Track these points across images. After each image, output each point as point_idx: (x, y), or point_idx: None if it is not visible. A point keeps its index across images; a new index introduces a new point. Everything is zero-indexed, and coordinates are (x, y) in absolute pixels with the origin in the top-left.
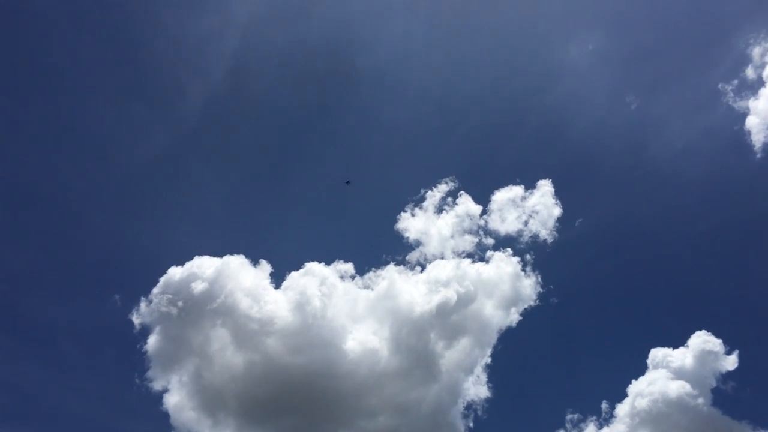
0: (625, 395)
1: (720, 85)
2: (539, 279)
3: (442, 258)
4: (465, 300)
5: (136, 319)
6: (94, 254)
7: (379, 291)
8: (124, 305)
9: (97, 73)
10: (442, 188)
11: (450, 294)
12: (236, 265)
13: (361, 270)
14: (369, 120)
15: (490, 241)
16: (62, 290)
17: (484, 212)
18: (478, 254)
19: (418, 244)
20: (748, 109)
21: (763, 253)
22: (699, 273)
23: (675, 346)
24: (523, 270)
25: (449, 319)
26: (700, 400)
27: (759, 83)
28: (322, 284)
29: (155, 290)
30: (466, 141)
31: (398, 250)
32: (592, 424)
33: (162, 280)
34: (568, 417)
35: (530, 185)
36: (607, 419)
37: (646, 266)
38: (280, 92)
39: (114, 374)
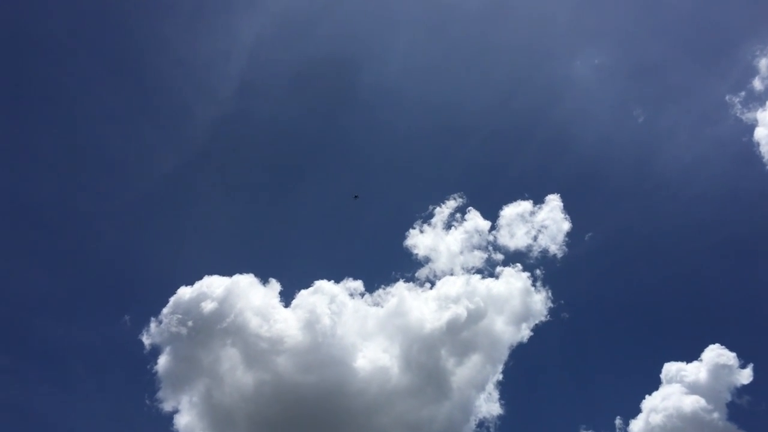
0: (639, 411)
1: (727, 97)
2: (550, 294)
3: (452, 274)
4: (475, 316)
5: (146, 340)
6: (104, 275)
7: (388, 308)
8: (134, 326)
9: (105, 94)
10: (451, 204)
11: (460, 310)
12: (245, 284)
13: (370, 287)
14: (376, 137)
15: (499, 256)
16: (72, 311)
17: (492, 228)
18: (488, 270)
19: (427, 260)
20: (756, 120)
21: None
22: (711, 286)
23: (688, 360)
24: (534, 285)
25: (460, 335)
26: (716, 415)
27: (766, 95)
28: (331, 302)
29: (165, 310)
30: (474, 156)
31: (407, 267)
32: None
33: (172, 300)
34: None
35: (539, 200)
36: None
37: (657, 279)
38: (288, 111)
39: (124, 395)
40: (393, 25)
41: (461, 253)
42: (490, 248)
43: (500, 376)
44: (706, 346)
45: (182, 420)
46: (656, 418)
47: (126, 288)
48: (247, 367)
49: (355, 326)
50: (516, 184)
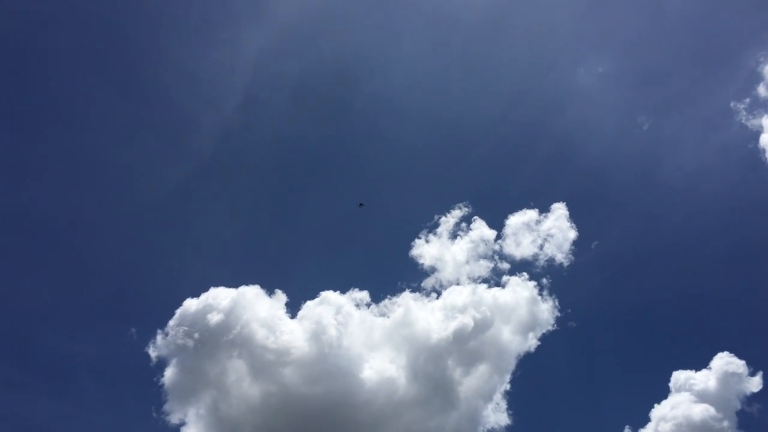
0: (648, 420)
1: (732, 104)
2: (556, 303)
3: (458, 284)
4: (482, 326)
5: (152, 352)
6: (110, 287)
7: (395, 318)
8: (140, 338)
9: (111, 107)
10: (456, 214)
11: (467, 320)
12: (251, 295)
13: (376, 298)
14: (380, 147)
15: (505, 265)
16: (78, 324)
17: (498, 237)
18: (494, 279)
19: (433, 270)
20: (761, 127)
21: None
22: (719, 293)
23: (697, 369)
24: (540, 294)
25: (467, 345)
26: (725, 424)
27: None
28: (337, 313)
29: (171, 323)
30: (479, 166)
31: (413, 277)
32: None
33: (178, 312)
34: None
35: (544, 209)
36: None
37: (664, 287)
38: (292, 123)
39: (131, 408)
40: (396, 37)
41: (467, 262)
42: (496, 257)
43: (508, 386)
44: (715, 353)
45: None
46: (665, 428)
47: (132, 300)
48: (254, 379)
49: (362, 337)
50: (521, 192)
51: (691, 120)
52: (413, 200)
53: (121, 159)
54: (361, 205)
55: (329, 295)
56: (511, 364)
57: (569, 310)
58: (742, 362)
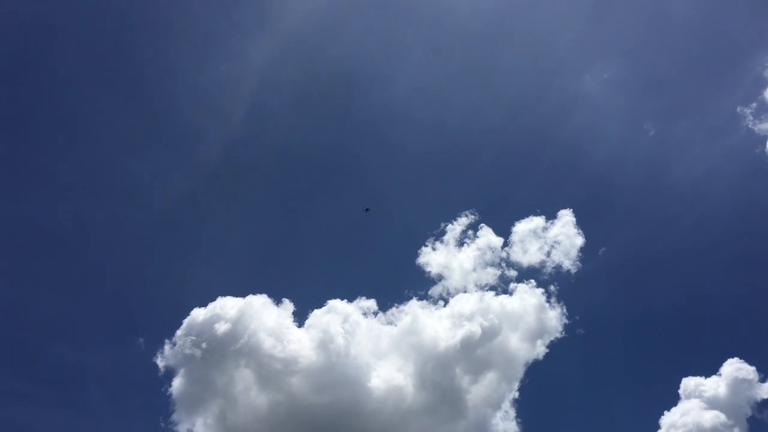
0: (657, 427)
1: (738, 109)
2: (564, 310)
3: (465, 291)
4: (490, 333)
5: (160, 362)
6: (118, 298)
7: (402, 327)
8: (148, 348)
9: (118, 119)
10: (463, 221)
11: (474, 328)
12: (259, 304)
13: (383, 306)
14: (387, 156)
15: (512, 273)
16: (87, 334)
17: (505, 244)
18: (502, 287)
19: (440, 278)
20: None
21: None
22: (728, 299)
23: (707, 375)
24: (548, 301)
25: (474, 353)
26: (736, 430)
27: None
28: (345, 321)
29: (179, 332)
30: (485, 173)
31: (420, 285)
32: None
33: (185, 322)
34: None
35: (551, 215)
36: None
37: (673, 293)
38: (298, 132)
39: (139, 418)
40: (401, 46)
41: (474, 270)
42: (504, 265)
43: (516, 394)
44: (725, 360)
45: None
46: None
47: (140, 311)
48: (261, 388)
49: (369, 345)
50: (528, 199)
51: (698, 125)
52: (419, 208)
53: (130, 169)
54: (367, 210)
55: (336, 304)
56: (520, 372)
57: (577, 317)
58: (753, 368)
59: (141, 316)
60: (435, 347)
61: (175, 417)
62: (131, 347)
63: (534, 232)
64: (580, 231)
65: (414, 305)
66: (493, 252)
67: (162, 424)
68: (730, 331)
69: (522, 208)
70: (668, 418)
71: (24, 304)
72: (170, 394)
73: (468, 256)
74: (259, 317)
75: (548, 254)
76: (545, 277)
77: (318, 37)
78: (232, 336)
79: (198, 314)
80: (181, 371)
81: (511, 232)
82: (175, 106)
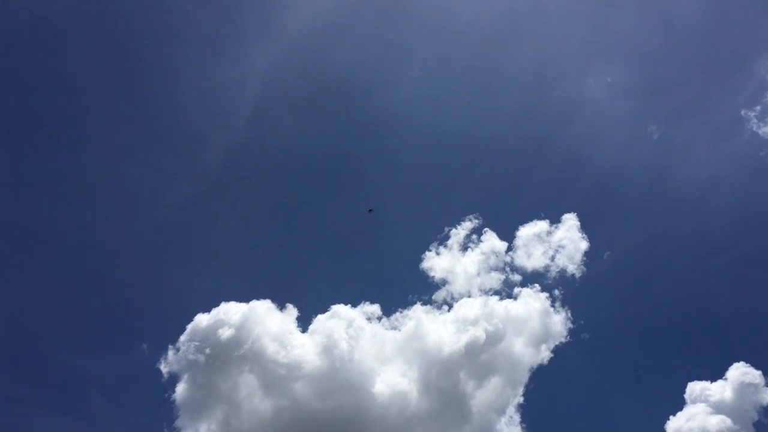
0: None
1: (743, 112)
2: (569, 314)
3: (469, 296)
4: (494, 338)
5: (164, 368)
6: (122, 303)
7: (406, 332)
8: (151, 354)
9: (122, 124)
10: (467, 226)
11: (479, 332)
12: (262, 309)
13: (387, 311)
14: (390, 160)
15: (517, 277)
16: (90, 340)
17: (509, 248)
18: (506, 291)
19: (444, 282)
20: None
21: None
22: (733, 302)
23: (713, 379)
24: (552, 306)
25: (479, 358)
26: None
27: None
28: (348, 326)
29: (182, 338)
30: (489, 177)
31: (424, 290)
32: None
33: (189, 327)
34: None
35: (555, 219)
36: None
37: (678, 297)
38: (302, 136)
39: (143, 423)
40: (404, 51)
41: (478, 274)
42: (508, 269)
43: (521, 399)
44: (731, 364)
45: None
46: None
47: (143, 316)
48: (265, 394)
49: (373, 350)
50: (531, 204)
51: (702, 128)
52: (423, 212)
53: (133, 174)
54: (370, 210)
55: (340, 309)
56: (524, 377)
57: (582, 322)
58: (759, 372)
59: (144, 322)
60: (439, 352)
61: (178, 423)
62: (135, 353)
63: (538, 237)
64: (584, 235)
65: (418, 310)
66: (497, 256)
67: (166, 430)
68: (736, 335)
69: (526, 212)
70: (674, 423)
71: (27, 310)
72: (174, 400)
73: (472, 260)
74: (263, 322)
75: (552, 258)
76: (549, 282)
77: (321, 42)
78: (235, 341)
79: (201, 319)
80: (185, 377)
81: (515, 237)
82: (179, 110)
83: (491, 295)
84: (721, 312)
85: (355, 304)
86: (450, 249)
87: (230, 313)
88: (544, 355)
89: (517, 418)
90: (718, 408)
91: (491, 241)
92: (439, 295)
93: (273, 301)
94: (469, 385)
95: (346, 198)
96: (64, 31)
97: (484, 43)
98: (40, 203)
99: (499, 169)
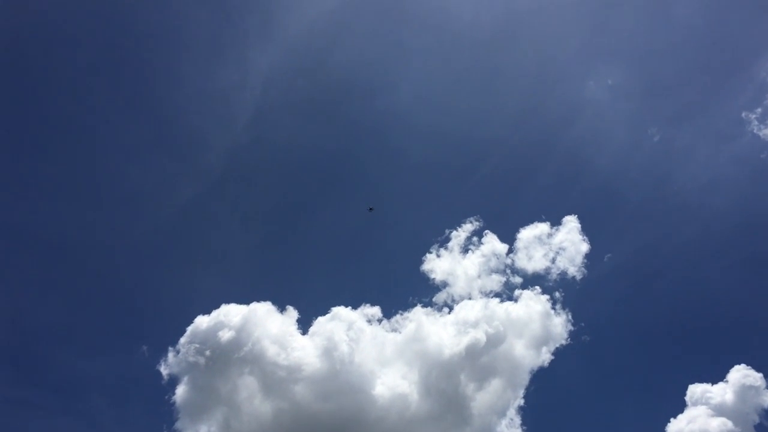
0: None
1: (743, 114)
2: (570, 317)
3: (470, 298)
4: (495, 340)
5: (164, 370)
6: (122, 305)
7: (406, 334)
8: (151, 356)
9: (122, 126)
10: (467, 228)
11: (479, 335)
12: (263, 312)
13: (388, 313)
14: (391, 162)
15: (517, 279)
16: (90, 342)
17: (510, 251)
18: (506, 293)
19: (444, 285)
20: None
21: None
22: (734, 305)
23: (714, 382)
24: (553, 308)
25: (479, 360)
26: None
27: None
28: (349, 329)
29: (183, 340)
30: (490, 180)
31: (425, 292)
32: None
33: (189, 329)
34: None
35: (556, 222)
36: None
37: (679, 300)
38: (302, 138)
39: (143, 425)
40: (405, 53)
41: (479, 276)
42: (508, 271)
43: (521, 401)
44: (732, 366)
45: None
46: None
47: (143, 318)
48: (265, 396)
49: (373, 353)
50: (532, 206)
51: (703, 131)
52: (424, 214)
53: (133, 176)
54: (371, 209)
55: (340, 311)
56: (525, 379)
57: (583, 324)
58: (760, 375)
59: (144, 323)
60: (440, 354)
61: (178, 425)
62: (135, 355)
63: (539, 239)
64: (585, 237)
65: (418, 312)
66: (497, 258)
67: None
68: (736, 338)
69: (527, 214)
70: (675, 426)
71: (28, 311)
72: (174, 402)
73: (473, 262)
74: (263, 324)
75: (553, 261)
76: (550, 284)
77: (322, 43)
78: (236, 343)
79: (202, 322)
80: (185, 379)
81: (515, 239)
82: (180, 112)
83: (492, 297)
84: (722, 314)
85: (355, 306)
86: (451, 251)
87: (230, 315)
88: (545, 357)
89: (517, 420)
90: (719, 410)
91: (492, 243)
92: (440, 297)
93: (273, 303)
94: (470, 388)
95: (347, 199)
96: (66, 32)
97: (484, 44)
98: (41, 204)
99: (500, 171)
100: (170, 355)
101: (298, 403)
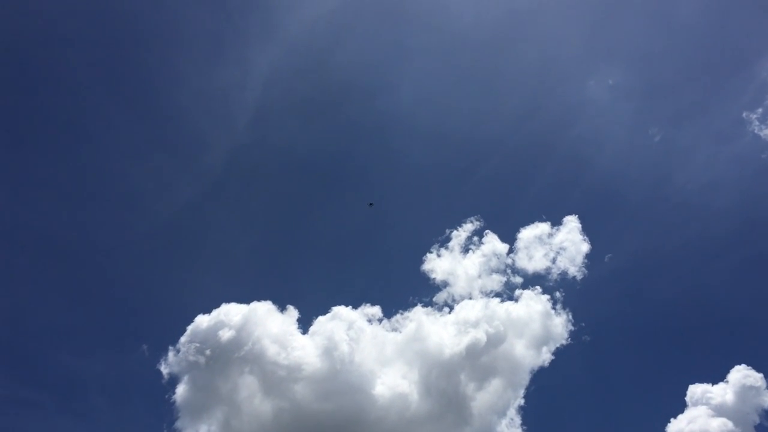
0: None
1: (744, 114)
2: (570, 317)
3: (470, 298)
4: (495, 340)
5: (164, 369)
6: (122, 305)
7: (407, 333)
8: (152, 355)
9: (122, 126)
10: (468, 228)
11: (479, 335)
12: (263, 311)
13: (388, 313)
14: (391, 162)
15: (518, 279)
16: (90, 342)
17: (510, 250)
18: (507, 293)
19: (445, 284)
20: None
21: None
22: (735, 305)
23: (714, 382)
24: (554, 308)
25: (479, 360)
26: None
27: None
28: (349, 328)
29: (183, 339)
30: (490, 179)
31: (425, 292)
32: None
33: (189, 328)
34: None
35: (556, 221)
36: None
37: (679, 300)
38: (303, 138)
39: (143, 425)
40: (406, 54)
41: (479, 276)
42: (509, 271)
43: (522, 401)
44: (732, 366)
45: None
46: None
47: (144, 317)
48: (266, 395)
49: (374, 352)
50: (533, 206)
51: (703, 131)
52: (424, 214)
53: (133, 176)
54: (371, 204)
55: (341, 311)
56: (525, 379)
57: (583, 324)
58: (760, 375)
59: (144, 323)
60: (440, 354)
61: (178, 424)
62: (135, 354)
63: (539, 239)
64: (585, 237)
65: (419, 312)
66: (498, 258)
67: (165, 431)
68: (737, 338)
69: (527, 214)
70: (675, 426)
71: (27, 311)
72: (174, 401)
73: (473, 262)
74: (264, 324)
75: (554, 260)
76: (551, 284)
77: (322, 44)
78: (236, 343)
79: (202, 321)
80: (185, 378)
81: (516, 239)
82: (180, 112)
83: (492, 297)
84: (723, 314)
85: (355, 306)
86: (451, 251)
87: (231, 314)
88: (545, 357)
89: (517, 420)
90: (720, 411)
91: (492, 243)
92: (440, 297)
93: (273, 302)
94: (470, 387)
95: (347, 199)
96: (65, 31)
97: (485, 45)
98: (41, 204)
99: (501, 171)
100: (170, 354)
101: (299, 403)
